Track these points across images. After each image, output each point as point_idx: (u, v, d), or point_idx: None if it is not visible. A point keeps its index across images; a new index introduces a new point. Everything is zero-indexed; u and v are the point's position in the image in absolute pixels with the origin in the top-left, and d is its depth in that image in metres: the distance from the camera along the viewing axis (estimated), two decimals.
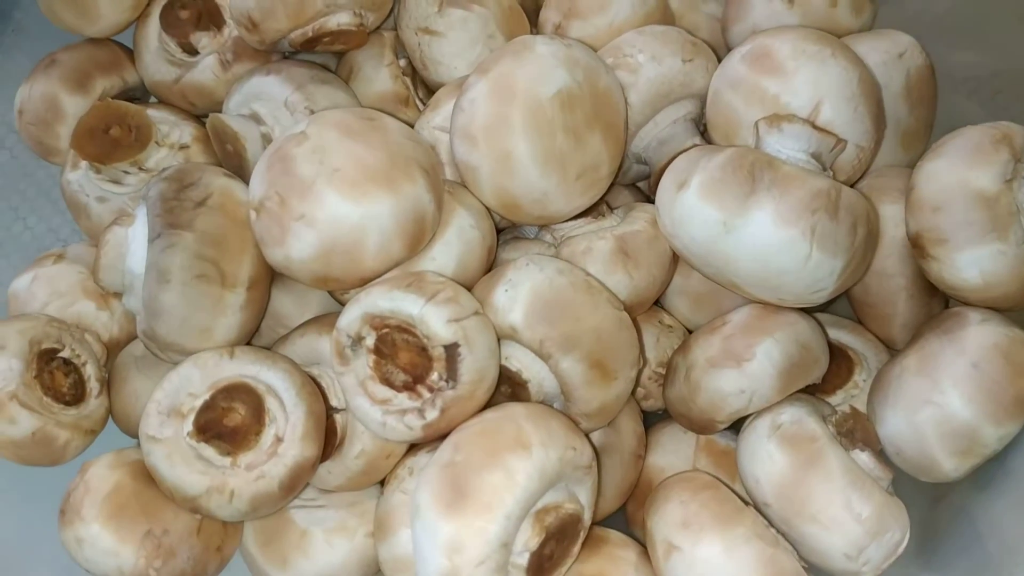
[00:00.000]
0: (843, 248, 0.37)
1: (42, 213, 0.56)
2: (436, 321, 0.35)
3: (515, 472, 0.33)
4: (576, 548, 0.37)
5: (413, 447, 0.41)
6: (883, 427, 0.40)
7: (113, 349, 0.45)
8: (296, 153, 0.38)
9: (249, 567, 0.42)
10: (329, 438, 0.39)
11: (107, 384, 0.43)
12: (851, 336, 0.45)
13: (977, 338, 0.38)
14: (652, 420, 0.46)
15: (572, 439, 0.35)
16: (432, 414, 0.36)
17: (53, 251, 0.46)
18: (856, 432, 0.39)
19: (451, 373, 0.36)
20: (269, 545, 0.41)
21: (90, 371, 0.43)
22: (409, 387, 0.37)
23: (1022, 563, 0.36)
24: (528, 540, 0.34)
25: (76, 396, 0.42)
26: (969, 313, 0.40)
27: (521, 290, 0.37)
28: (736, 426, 0.41)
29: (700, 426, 0.41)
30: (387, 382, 0.37)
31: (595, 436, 0.41)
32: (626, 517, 0.44)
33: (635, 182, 0.49)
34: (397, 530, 0.39)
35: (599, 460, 0.38)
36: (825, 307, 0.48)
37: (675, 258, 0.43)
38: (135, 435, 0.41)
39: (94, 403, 0.42)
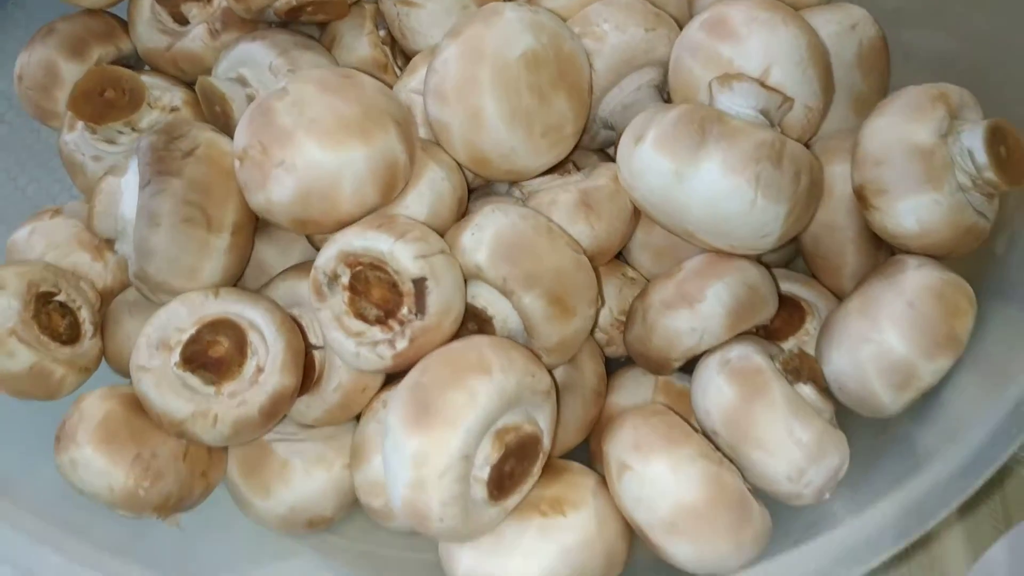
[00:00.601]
0: (786, 195, 0.40)
1: (41, 182, 0.59)
2: (405, 257, 0.38)
3: (476, 392, 0.36)
4: (536, 469, 0.39)
5: (387, 383, 0.44)
6: (828, 366, 0.43)
7: (106, 298, 0.47)
8: (277, 106, 0.41)
9: (233, 497, 0.44)
10: (308, 373, 0.42)
11: (101, 328, 0.46)
12: (803, 288, 0.48)
13: (913, 281, 0.41)
14: (615, 366, 0.48)
15: (531, 367, 0.38)
16: (402, 344, 0.39)
17: (50, 207, 0.49)
18: (802, 370, 0.42)
19: (419, 307, 0.38)
20: (252, 475, 0.43)
21: (84, 315, 0.45)
22: (381, 321, 0.39)
23: (953, 492, 0.39)
24: (488, 455, 0.37)
25: (71, 336, 0.44)
26: (908, 259, 0.42)
27: (486, 233, 0.40)
28: (692, 370, 0.44)
29: (657, 365, 0.43)
30: (361, 316, 0.40)
31: (558, 374, 0.44)
32: (589, 454, 0.46)
33: (603, 148, 0.52)
34: (371, 457, 0.42)
35: (559, 393, 0.41)
36: (784, 265, 0.51)
37: (636, 212, 0.46)
38: (127, 375, 0.44)
39: (88, 343, 0.45)
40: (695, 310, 0.42)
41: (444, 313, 0.39)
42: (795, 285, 0.48)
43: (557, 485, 0.41)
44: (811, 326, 0.47)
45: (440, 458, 0.36)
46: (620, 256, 0.49)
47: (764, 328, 0.46)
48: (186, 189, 0.40)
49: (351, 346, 0.40)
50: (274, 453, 0.43)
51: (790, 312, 0.47)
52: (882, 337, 0.41)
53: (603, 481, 0.42)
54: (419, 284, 0.38)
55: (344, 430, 0.45)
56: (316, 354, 0.43)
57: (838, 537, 0.34)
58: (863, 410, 0.43)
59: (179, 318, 0.41)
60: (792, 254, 0.51)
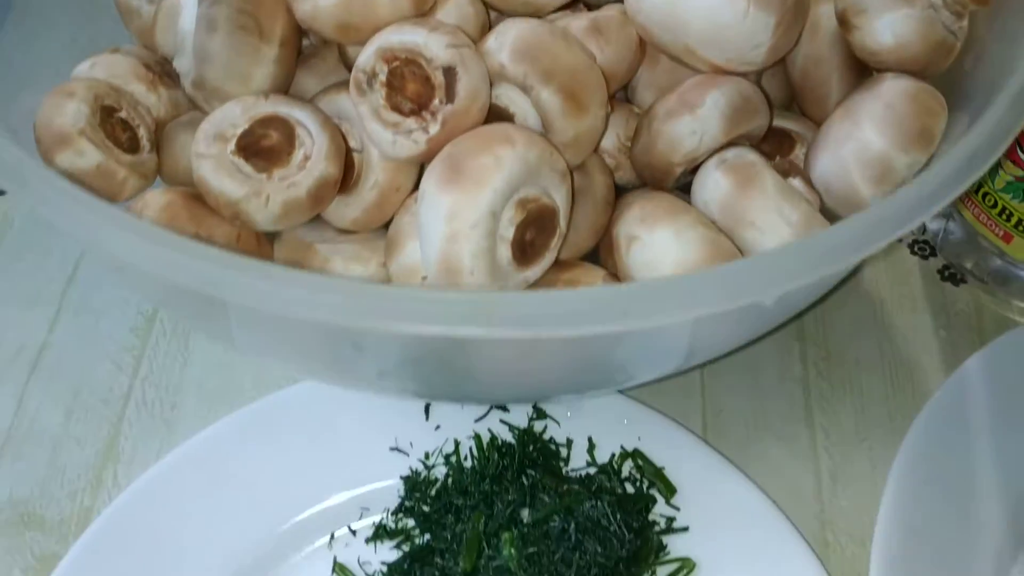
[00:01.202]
0: (775, 7, 0.45)
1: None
2: (437, 45, 0.43)
3: (502, 157, 0.41)
4: (553, 244, 0.44)
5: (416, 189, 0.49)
6: (814, 171, 0.48)
7: (160, 128, 0.52)
8: None
9: None
10: (348, 171, 0.47)
11: (156, 148, 0.51)
12: (793, 121, 0.53)
13: (891, 86, 0.46)
14: (621, 194, 0.53)
15: (550, 148, 0.43)
16: (434, 128, 0.44)
17: (109, 48, 0.54)
18: (790, 172, 0.47)
19: (450, 95, 0.43)
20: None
21: (143, 132, 0.50)
22: (415, 112, 0.44)
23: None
24: (512, 216, 0.42)
25: (132, 147, 0.49)
26: (887, 73, 0.47)
27: (508, 36, 0.45)
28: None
29: (661, 173, 0.48)
30: (397, 109, 0.44)
31: None
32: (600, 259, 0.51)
33: None
34: (405, 244, 0.46)
35: (574, 187, 0.46)
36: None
37: (641, 45, 0.50)
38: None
39: (147, 156, 0.50)
40: (695, 114, 0.46)
41: (472, 99, 0.43)
42: (785, 120, 0.53)
43: (572, 271, 0.46)
44: (799, 152, 0.52)
45: (471, 212, 0.40)
46: (626, 98, 0.54)
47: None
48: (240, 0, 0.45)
49: (388, 136, 0.45)
50: (316, 250, 0.48)
51: (780, 140, 0.52)
52: (862, 134, 0.46)
53: (612, 276, 0.46)
54: (449, 74, 0.43)
55: (378, 235, 0.49)
56: (355, 156, 0.47)
57: None
58: (846, 210, 0.47)
59: (234, 115, 0.46)
60: (785, 99, 0.56)
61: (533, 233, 0.43)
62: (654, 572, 0.48)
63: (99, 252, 0.37)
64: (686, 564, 0.48)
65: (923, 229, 0.63)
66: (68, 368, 0.58)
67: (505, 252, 0.42)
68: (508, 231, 0.42)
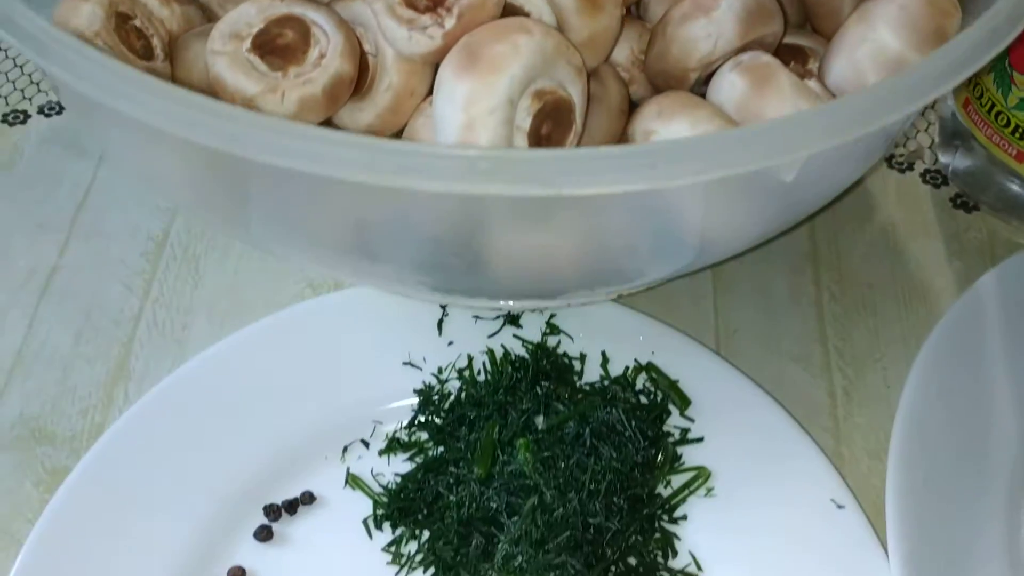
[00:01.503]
0: None
1: None
2: None
3: (519, 44, 0.41)
4: (569, 139, 0.44)
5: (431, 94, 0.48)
6: (829, 76, 0.47)
7: (173, 42, 0.52)
8: None
9: None
10: (363, 73, 0.47)
11: (170, 58, 0.51)
12: (806, 38, 0.53)
13: None
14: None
15: (567, 42, 0.43)
16: (450, 22, 0.43)
17: None
18: (805, 76, 0.47)
19: None
20: None
21: (157, 42, 0.50)
22: (430, 9, 0.44)
23: None
24: (529, 106, 0.41)
25: (146, 54, 0.49)
26: None
27: None
28: None
29: (675, 78, 0.48)
30: (412, 6, 0.44)
31: None
32: None
33: None
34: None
35: (590, 89, 0.46)
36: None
37: None
38: None
39: (160, 64, 0.49)
40: (710, 17, 0.46)
41: None
42: (798, 37, 0.53)
43: None
44: (813, 67, 0.52)
45: (488, 99, 0.40)
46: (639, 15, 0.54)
47: None
48: None
49: (404, 32, 0.44)
50: None
51: (793, 55, 0.52)
52: (876, 35, 0.45)
53: None
54: None
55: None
56: (370, 59, 0.47)
57: None
58: None
59: (249, 15, 0.45)
60: (800, 19, 0.56)
61: (550, 126, 0.43)
62: (669, 481, 0.48)
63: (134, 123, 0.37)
64: (702, 473, 0.48)
65: (935, 159, 0.63)
66: (79, 291, 0.57)
67: (522, 142, 0.42)
68: (525, 121, 0.42)
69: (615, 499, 0.46)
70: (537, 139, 0.42)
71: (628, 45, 0.52)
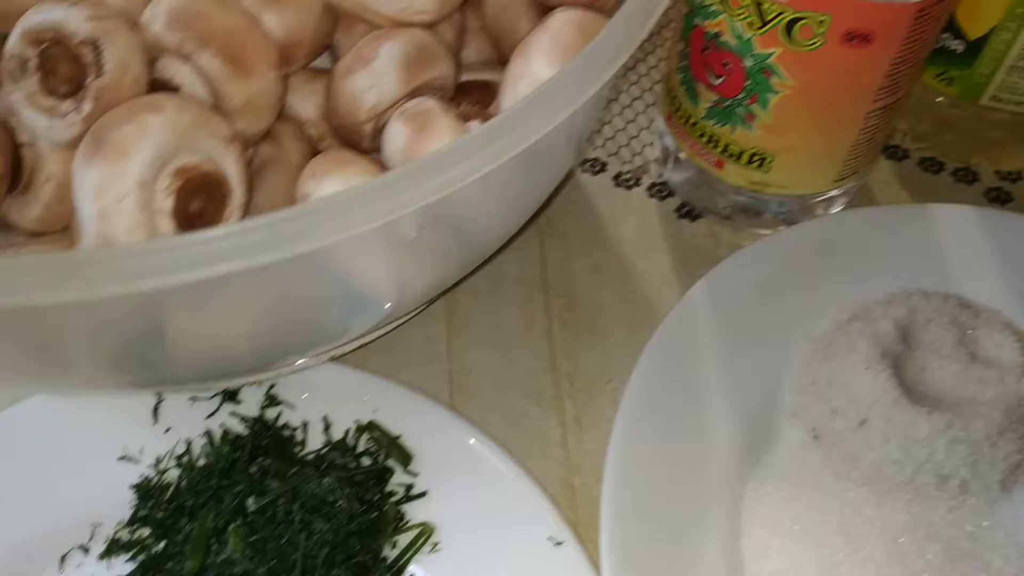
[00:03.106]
0: None
1: None
2: (76, 20, 0.41)
3: (147, 124, 0.39)
4: (227, 211, 0.42)
5: None
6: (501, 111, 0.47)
7: None
8: None
9: None
10: (17, 170, 0.44)
11: None
12: (492, 73, 0.53)
13: (558, 18, 0.46)
14: None
15: (208, 112, 0.42)
16: (88, 106, 0.42)
17: None
18: (473, 117, 0.46)
19: (97, 68, 0.42)
20: None
21: None
22: (70, 95, 0.42)
23: None
24: (169, 186, 0.40)
25: None
26: (557, 9, 0.48)
27: (161, 5, 0.43)
28: None
29: (350, 132, 0.47)
30: (52, 93, 0.42)
31: (260, 151, 0.47)
32: None
33: None
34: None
35: (263, 165, 0.45)
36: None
37: (330, 9, 0.50)
38: None
39: None
40: (370, 68, 0.46)
41: (122, 70, 0.42)
42: (485, 73, 0.53)
43: None
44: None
45: (117, 186, 0.39)
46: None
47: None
48: None
49: (44, 121, 0.43)
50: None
51: (480, 93, 0.52)
52: (533, 68, 0.45)
53: None
54: (95, 48, 0.41)
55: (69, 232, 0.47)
56: (28, 151, 0.45)
57: None
58: None
59: None
60: (492, 58, 0.56)
61: (201, 202, 0.41)
62: (396, 542, 0.47)
63: None
64: (425, 530, 0.47)
65: (660, 172, 0.63)
66: None
67: (167, 224, 0.40)
68: (166, 202, 0.40)
69: (336, 571, 0.44)
70: (186, 218, 0.41)
71: (313, 100, 0.51)
